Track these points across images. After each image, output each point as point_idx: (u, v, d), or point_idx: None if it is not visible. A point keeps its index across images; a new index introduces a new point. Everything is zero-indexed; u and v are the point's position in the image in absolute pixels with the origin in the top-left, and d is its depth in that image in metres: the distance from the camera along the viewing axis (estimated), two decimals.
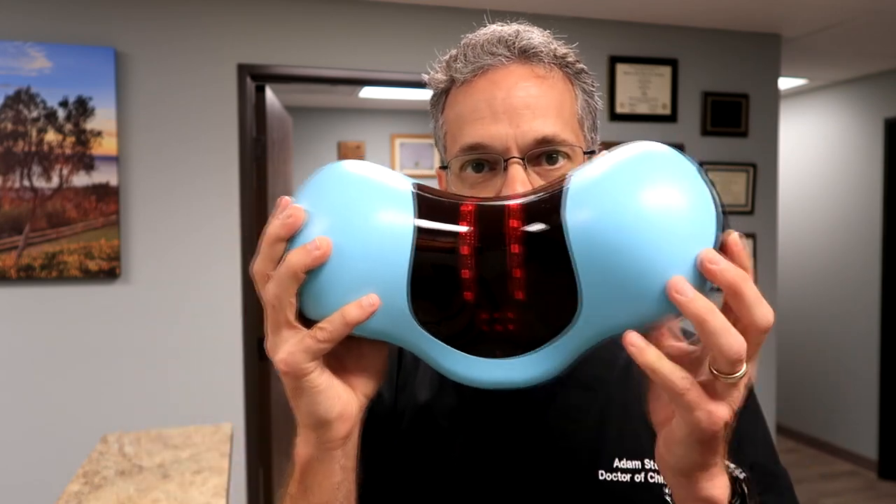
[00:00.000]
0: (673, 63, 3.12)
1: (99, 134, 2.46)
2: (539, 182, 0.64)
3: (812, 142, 4.60)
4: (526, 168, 0.63)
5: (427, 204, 0.50)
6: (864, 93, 4.21)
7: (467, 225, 0.49)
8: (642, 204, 0.44)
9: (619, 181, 0.46)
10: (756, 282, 0.43)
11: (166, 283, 2.58)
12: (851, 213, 4.29)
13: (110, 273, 2.49)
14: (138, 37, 2.55)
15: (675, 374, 0.44)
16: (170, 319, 2.58)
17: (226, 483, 1.54)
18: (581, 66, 0.69)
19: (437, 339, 0.50)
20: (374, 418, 0.71)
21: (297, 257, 0.47)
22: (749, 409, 0.67)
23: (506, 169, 0.63)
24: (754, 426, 0.68)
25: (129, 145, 2.54)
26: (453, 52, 0.71)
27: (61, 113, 2.42)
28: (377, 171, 0.51)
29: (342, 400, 0.52)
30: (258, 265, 0.49)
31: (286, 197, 0.50)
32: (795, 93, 4.71)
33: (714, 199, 0.47)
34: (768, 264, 3.30)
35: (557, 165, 0.64)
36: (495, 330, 0.49)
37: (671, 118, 3.14)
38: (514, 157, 0.62)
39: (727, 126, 3.23)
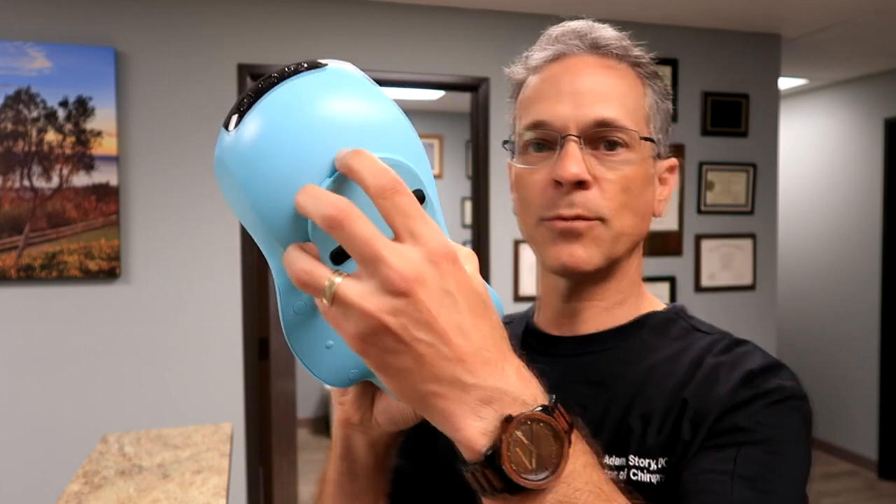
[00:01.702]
0: (673, 63, 3.12)
1: (99, 134, 2.46)
2: (594, 165, 0.64)
3: (812, 142, 4.60)
4: (582, 148, 0.64)
5: None
6: (864, 93, 4.21)
7: None
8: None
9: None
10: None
11: (166, 283, 2.58)
12: (851, 213, 4.28)
13: (110, 273, 2.49)
14: (138, 37, 2.55)
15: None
16: (170, 319, 2.58)
17: (226, 483, 1.54)
18: (654, 69, 0.71)
19: None
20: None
21: None
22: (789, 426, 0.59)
23: (562, 147, 0.64)
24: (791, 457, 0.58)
25: (129, 145, 2.54)
26: (532, 47, 0.73)
27: (61, 113, 2.42)
28: None
29: (346, 396, 0.57)
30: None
31: None
32: (795, 93, 4.71)
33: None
34: (768, 264, 3.30)
35: (615, 152, 0.65)
36: None
37: (671, 118, 3.14)
38: (570, 135, 0.64)
39: (727, 126, 3.23)
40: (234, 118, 0.44)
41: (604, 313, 0.70)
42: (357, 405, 0.58)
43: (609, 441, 0.63)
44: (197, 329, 2.61)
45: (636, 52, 0.70)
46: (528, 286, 3.00)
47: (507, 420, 0.39)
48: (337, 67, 0.46)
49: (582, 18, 0.74)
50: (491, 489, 0.40)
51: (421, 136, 5.36)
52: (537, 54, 0.71)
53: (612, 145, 0.65)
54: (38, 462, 2.46)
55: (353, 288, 0.38)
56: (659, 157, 0.70)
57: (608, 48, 0.69)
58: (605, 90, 0.65)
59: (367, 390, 0.58)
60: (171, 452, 1.73)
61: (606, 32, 0.70)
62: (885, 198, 4.04)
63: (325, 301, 0.38)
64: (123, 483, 1.54)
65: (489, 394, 0.39)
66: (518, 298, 2.98)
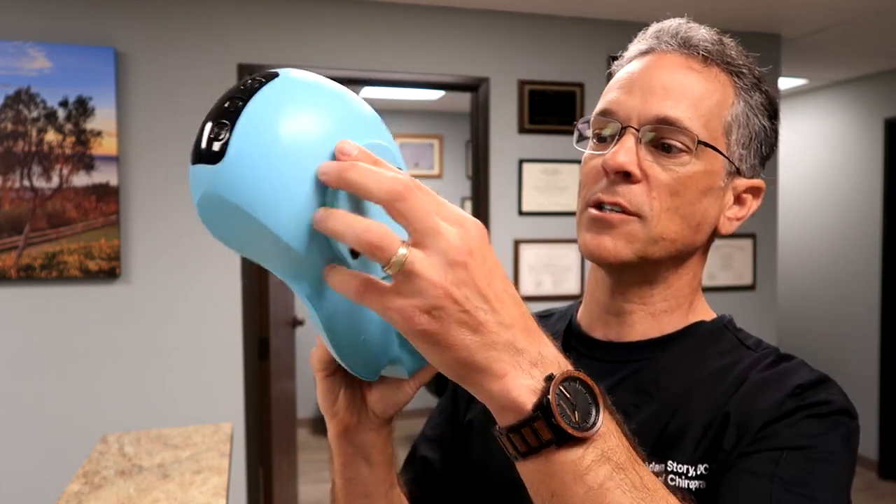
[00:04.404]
0: None
1: (99, 134, 2.46)
2: (648, 162, 0.63)
3: (812, 142, 4.60)
4: (639, 142, 0.63)
5: None
6: (864, 93, 4.21)
7: None
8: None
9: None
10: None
11: (166, 283, 2.58)
12: (851, 213, 4.28)
13: (110, 273, 2.49)
14: (138, 37, 2.55)
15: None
16: (170, 319, 2.58)
17: (226, 483, 1.54)
18: (756, 82, 0.68)
19: None
20: (454, 430, 0.78)
21: None
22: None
23: (620, 137, 0.63)
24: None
25: (129, 145, 2.54)
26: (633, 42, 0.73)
27: (61, 113, 2.42)
28: None
29: (337, 406, 0.58)
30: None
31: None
32: (795, 93, 4.71)
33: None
34: (768, 264, 3.30)
35: (673, 154, 0.63)
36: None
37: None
38: (629, 127, 0.63)
39: None
40: (210, 147, 0.41)
41: (649, 319, 0.69)
42: (352, 409, 0.59)
43: (651, 449, 0.62)
44: (197, 329, 2.61)
45: (736, 59, 0.67)
46: (529, 286, 3.00)
47: (549, 378, 0.43)
48: (291, 73, 0.46)
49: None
50: (536, 445, 0.43)
51: (421, 137, 5.36)
52: (632, 47, 0.71)
53: (668, 148, 0.63)
54: (38, 462, 2.46)
55: (422, 259, 0.39)
56: (738, 172, 0.67)
57: (696, 48, 0.66)
58: (679, 89, 0.64)
59: (356, 391, 0.59)
60: (171, 452, 1.73)
61: (700, 33, 0.67)
62: (885, 198, 4.04)
63: (389, 270, 0.39)
64: (123, 483, 1.54)
65: (536, 357, 0.43)
66: None
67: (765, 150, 0.69)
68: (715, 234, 0.69)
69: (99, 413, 2.51)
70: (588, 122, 0.70)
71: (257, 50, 2.66)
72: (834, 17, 3.04)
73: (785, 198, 4.77)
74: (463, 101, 4.64)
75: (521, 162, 2.98)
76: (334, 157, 0.43)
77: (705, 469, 0.60)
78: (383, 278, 0.43)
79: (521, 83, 2.96)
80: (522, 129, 2.98)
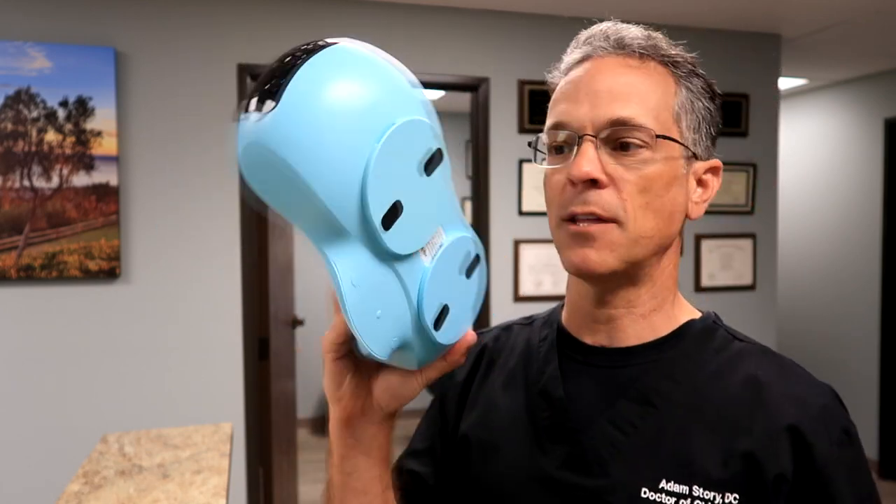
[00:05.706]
0: None
1: (99, 134, 2.46)
2: (612, 165, 0.63)
3: (812, 142, 4.60)
4: (598, 148, 0.64)
5: None
6: (864, 93, 4.21)
7: None
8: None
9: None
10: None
11: (166, 283, 2.58)
12: (851, 213, 4.28)
13: (110, 273, 2.49)
14: (138, 37, 2.55)
15: None
16: (170, 319, 2.58)
17: (226, 483, 1.54)
18: (692, 68, 0.69)
19: None
20: (445, 443, 0.79)
21: None
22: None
23: (578, 147, 0.64)
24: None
25: (129, 145, 2.54)
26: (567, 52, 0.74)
27: (61, 113, 2.42)
28: None
29: (342, 391, 0.59)
30: None
31: None
32: (795, 93, 4.71)
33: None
34: (768, 264, 3.30)
35: (631, 152, 0.64)
36: None
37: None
38: (586, 135, 0.64)
39: (727, 126, 3.23)
40: (262, 101, 0.45)
41: (640, 321, 0.69)
42: (356, 396, 0.59)
43: (668, 466, 0.63)
44: (197, 329, 2.61)
45: (669, 50, 0.69)
46: (528, 286, 3.00)
47: None
48: (346, 44, 0.49)
49: (607, 20, 0.73)
50: None
51: None
52: (567, 58, 0.71)
53: (627, 146, 0.64)
54: (38, 462, 2.46)
55: None
56: (695, 157, 0.68)
57: (631, 47, 0.67)
58: (625, 89, 0.64)
59: (363, 378, 0.60)
60: (171, 452, 1.73)
61: (631, 32, 0.69)
62: (885, 198, 4.04)
63: None
64: (123, 483, 1.54)
65: None
66: (518, 298, 2.98)
67: (713, 131, 0.71)
68: (685, 220, 0.70)
69: (99, 413, 2.51)
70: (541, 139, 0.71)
71: (257, 50, 2.66)
72: (834, 17, 3.05)
73: (785, 198, 4.77)
74: (463, 101, 4.64)
75: (521, 162, 2.98)
76: (372, 128, 0.47)
77: (736, 500, 0.60)
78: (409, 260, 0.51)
79: (521, 83, 2.96)
80: (522, 129, 2.98)
